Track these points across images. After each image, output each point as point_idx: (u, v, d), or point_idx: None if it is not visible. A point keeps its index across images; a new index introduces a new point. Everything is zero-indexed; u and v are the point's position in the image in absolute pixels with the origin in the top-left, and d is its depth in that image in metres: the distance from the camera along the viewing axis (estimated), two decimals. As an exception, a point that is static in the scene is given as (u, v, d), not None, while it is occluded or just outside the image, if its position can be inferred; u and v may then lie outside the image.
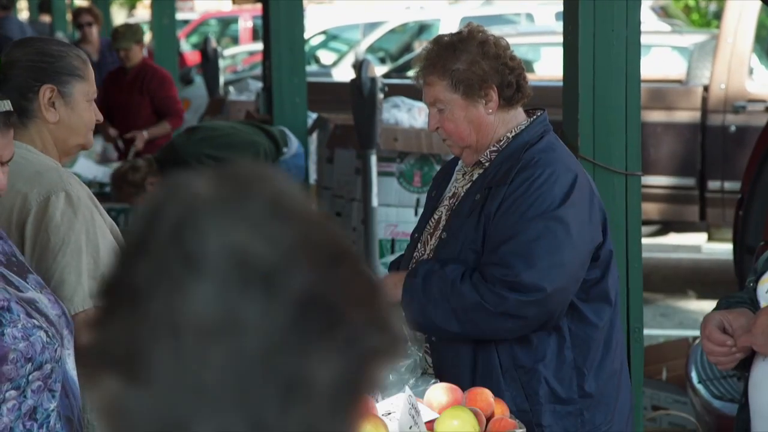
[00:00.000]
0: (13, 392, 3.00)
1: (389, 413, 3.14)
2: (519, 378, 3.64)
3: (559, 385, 3.65)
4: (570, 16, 4.80)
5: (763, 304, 3.24)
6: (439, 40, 3.74)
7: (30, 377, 3.02)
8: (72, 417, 3.17)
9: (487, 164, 3.74)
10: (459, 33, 3.72)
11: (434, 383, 3.43)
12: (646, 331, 8.97)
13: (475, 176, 3.77)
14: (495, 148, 3.73)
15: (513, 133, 3.73)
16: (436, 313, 3.58)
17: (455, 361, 3.65)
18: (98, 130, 10.80)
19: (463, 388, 3.40)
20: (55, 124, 3.51)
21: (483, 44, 3.68)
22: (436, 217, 3.83)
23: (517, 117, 3.77)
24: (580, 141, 4.76)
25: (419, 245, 3.83)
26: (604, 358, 3.71)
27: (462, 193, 3.78)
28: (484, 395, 3.33)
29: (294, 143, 8.15)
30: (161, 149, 8.40)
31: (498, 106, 3.70)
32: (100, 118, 3.62)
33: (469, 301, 3.55)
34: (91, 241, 3.38)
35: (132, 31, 9.99)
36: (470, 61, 3.66)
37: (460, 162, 3.85)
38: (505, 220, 3.59)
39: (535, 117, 3.77)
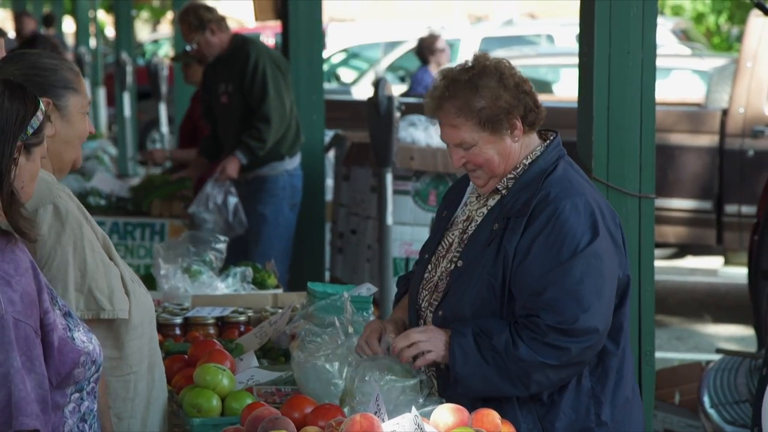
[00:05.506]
0: (76, 395, 2.99)
1: (395, 432, 3.13)
2: (536, 410, 3.60)
3: (576, 415, 3.61)
4: (586, 37, 4.80)
5: None
6: (454, 78, 3.64)
7: (92, 379, 3.02)
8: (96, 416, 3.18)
9: (504, 191, 3.69)
10: (471, 68, 3.64)
11: (442, 404, 3.40)
12: (661, 354, 8.97)
13: (491, 202, 3.71)
14: (512, 176, 3.68)
15: (529, 160, 3.69)
16: (500, 382, 3.53)
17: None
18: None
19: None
20: (51, 138, 3.45)
21: (501, 77, 3.62)
22: (448, 240, 3.77)
23: (533, 140, 3.73)
24: (594, 163, 4.75)
25: (430, 266, 3.78)
26: (618, 386, 3.67)
27: (477, 218, 3.72)
28: (491, 416, 3.31)
29: (297, 159, 7.98)
30: None
31: (522, 133, 3.68)
32: (93, 130, 3.60)
33: (530, 363, 3.51)
34: (78, 254, 3.37)
35: None
36: (493, 96, 3.60)
37: (472, 183, 3.79)
38: (542, 262, 3.53)
39: (549, 142, 3.72)
